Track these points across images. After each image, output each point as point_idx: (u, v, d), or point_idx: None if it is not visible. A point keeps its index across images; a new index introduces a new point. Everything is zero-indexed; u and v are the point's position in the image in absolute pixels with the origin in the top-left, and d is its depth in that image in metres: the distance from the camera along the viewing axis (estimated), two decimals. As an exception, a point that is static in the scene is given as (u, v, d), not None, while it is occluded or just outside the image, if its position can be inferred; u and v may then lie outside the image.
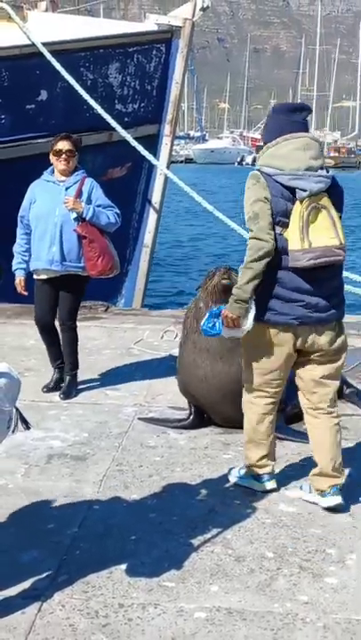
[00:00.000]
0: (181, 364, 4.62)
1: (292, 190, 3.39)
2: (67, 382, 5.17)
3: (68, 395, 5.10)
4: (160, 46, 8.79)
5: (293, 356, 3.56)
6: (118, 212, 5.10)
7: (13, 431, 2.66)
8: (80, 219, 4.95)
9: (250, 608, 2.80)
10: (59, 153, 5.00)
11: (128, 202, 8.79)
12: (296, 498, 3.66)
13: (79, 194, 4.98)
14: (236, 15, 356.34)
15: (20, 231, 5.15)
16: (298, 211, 3.37)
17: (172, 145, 9.24)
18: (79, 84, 8.00)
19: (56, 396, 5.10)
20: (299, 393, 3.69)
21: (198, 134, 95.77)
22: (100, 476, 3.87)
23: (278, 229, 3.40)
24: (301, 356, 3.57)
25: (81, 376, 5.30)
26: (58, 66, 7.85)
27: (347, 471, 3.80)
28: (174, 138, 9.40)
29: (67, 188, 5.02)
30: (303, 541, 3.28)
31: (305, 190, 3.36)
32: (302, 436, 3.99)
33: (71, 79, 7.92)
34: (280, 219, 3.40)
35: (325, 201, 3.42)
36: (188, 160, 72.84)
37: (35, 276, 5.17)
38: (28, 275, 5.20)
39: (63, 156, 4.99)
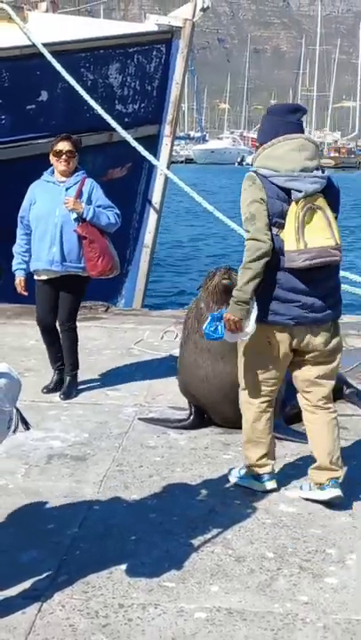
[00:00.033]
0: (182, 364, 4.62)
1: (287, 191, 3.41)
2: (67, 383, 5.17)
3: (68, 395, 5.10)
4: (160, 47, 8.79)
5: (290, 355, 3.58)
6: (118, 212, 5.11)
7: (14, 431, 2.67)
8: (80, 219, 4.95)
9: (250, 608, 2.81)
10: (59, 154, 5.01)
11: (128, 202, 8.79)
12: (296, 498, 3.67)
13: (79, 194, 4.98)
14: (236, 15, 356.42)
15: (19, 231, 5.16)
16: (293, 211, 3.39)
17: (172, 145, 9.24)
18: (79, 85, 8.00)
19: (56, 396, 5.10)
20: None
21: (198, 135, 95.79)
22: (101, 477, 3.88)
23: (275, 230, 3.42)
24: (297, 356, 3.60)
25: (81, 376, 5.30)
26: (58, 66, 7.86)
27: (347, 471, 3.81)
28: (174, 138, 9.40)
29: (67, 189, 5.02)
30: (303, 541, 3.28)
31: (300, 191, 3.38)
32: (302, 437, 3.99)
33: (71, 80, 7.92)
34: (276, 220, 3.42)
35: (321, 201, 3.43)
36: (189, 160, 72.85)
37: (35, 277, 5.17)
38: (28, 275, 5.20)
39: (63, 156, 5.00)
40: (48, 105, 8.19)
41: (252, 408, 3.67)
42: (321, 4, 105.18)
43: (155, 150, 8.87)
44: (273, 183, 3.42)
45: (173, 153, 9.71)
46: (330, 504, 3.59)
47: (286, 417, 4.47)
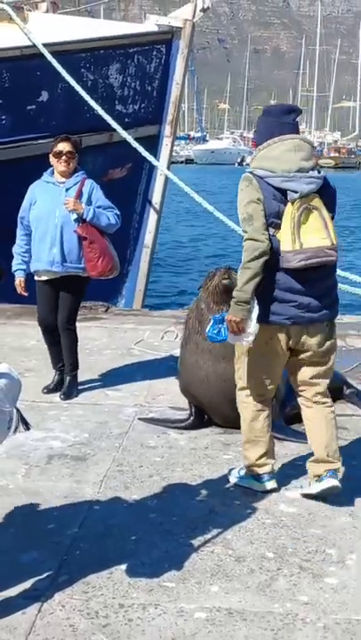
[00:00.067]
0: (183, 365, 4.63)
1: (283, 192, 3.43)
2: (67, 383, 5.17)
3: (68, 395, 5.10)
4: (160, 47, 8.80)
5: (286, 354, 3.61)
6: (118, 212, 5.11)
7: (14, 432, 2.67)
8: (80, 220, 4.95)
9: (250, 608, 2.81)
10: (59, 154, 5.01)
11: (128, 202, 8.79)
12: (296, 498, 3.67)
13: (79, 195, 4.98)
14: (236, 16, 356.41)
15: (19, 232, 5.16)
16: (289, 212, 3.41)
17: (172, 145, 9.24)
18: (80, 85, 8.01)
19: (56, 396, 5.11)
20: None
21: (198, 135, 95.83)
22: (101, 477, 3.88)
23: (271, 231, 3.44)
24: (293, 355, 3.62)
25: (81, 376, 5.30)
26: (58, 67, 7.86)
27: (347, 471, 3.81)
28: (175, 138, 9.40)
29: (67, 190, 5.02)
30: (303, 542, 3.28)
31: (296, 192, 3.40)
32: (302, 437, 4.00)
33: (72, 80, 7.93)
34: (273, 220, 3.44)
35: (317, 202, 3.45)
36: (189, 161, 72.88)
37: (35, 277, 5.17)
38: (29, 275, 5.20)
39: (63, 157, 5.00)
40: (48, 105, 8.19)
41: (249, 407, 3.69)
42: (321, 4, 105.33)
43: (155, 150, 8.87)
44: (269, 184, 3.44)
45: (173, 153, 9.71)
46: (328, 500, 3.59)
47: (286, 417, 4.47)
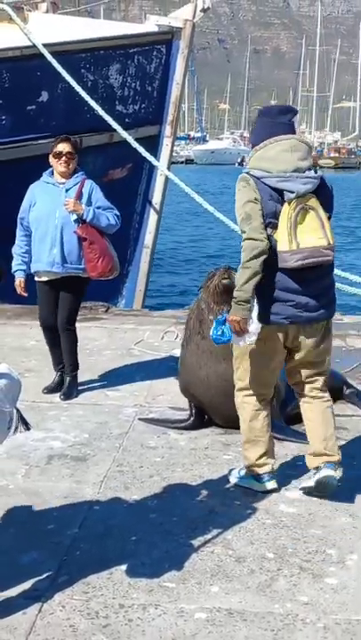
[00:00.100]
0: (184, 365, 4.62)
1: (280, 192, 3.45)
2: (67, 383, 5.17)
3: (68, 395, 5.10)
4: (160, 47, 8.80)
5: (284, 353, 3.64)
6: (118, 213, 5.11)
7: (14, 432, 2.67)
8: (80, 221, 4.95)
9: (250, 609, 2.81)
10: (59, 155, 5.01)
11: (129, 203, 8.80)
12: (296, 498, 3.67)
13: (79, 196, 4.98)
14: (236, 16, 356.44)
15: (19, 233, 5.16)
16: (286, 212, 3.42)
17: (172, 146, 9.25)
18: (80, 86, 8.01)
19: (56, 396, 5.11)
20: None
21: (199, 135, 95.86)
22: (101, 477, 3.88)
23: (269, 231, 3.46)
24: (290, 354, 3.65)
25: (81, 377, 5.30)
26: (58, 67, 7.86)
27: (347, 471, 3.81)
28: (175, 139, 9.41)
29: (67, 190, 5.02)
30: (303, 542, 3.28)
31: (292, 192, 3.42)
32: (302, 437, 4.00)
33: (72, 80, 7.93)
34: (270, 220, 3.45)
35: (314, 202, 3.46)
36: (189, 161, 72.90)
37: (36, 278, 5.17)
38: (28, 276, 5.20)
39: (63, 158, 5.00)
40: (48, 105, 8.20)
41: (248, 407, 3.70)
42: (321, 4, 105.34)
43: (155, 151, 8.87)
44: (266, 184, 3.46)
45: (173, 153, 9.71)
46: (328, 501, 3.59)
47: (287, 417, 4.47)
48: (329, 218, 3.52)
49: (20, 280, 5.15)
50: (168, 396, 5.13)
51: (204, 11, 8.81)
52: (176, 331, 6.62)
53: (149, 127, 8.97)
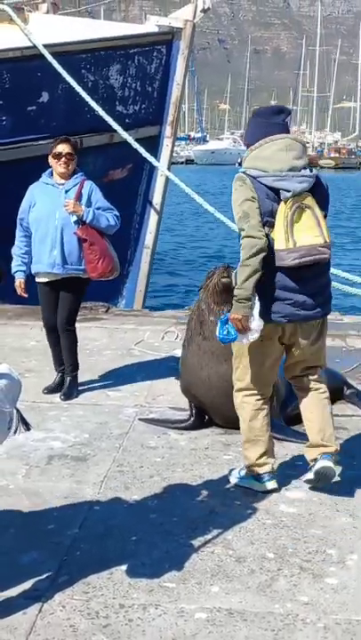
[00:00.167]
0: (185, 365, 4.62)
1: (276, 191, 3.48)
2: (67, 383, 5.18)
3: (68, 396, 5.11)
4: (161, 48, 8.80)
5: (282, 351, 3.69)
6: (118, 214, 5.11)
7: (14, 432, 2.67)
8: (80, 222, 4.95)
9: (250, 609, 2.81)
10: (58, 156, 5.01)
11: (129, 203, 8.80)
12: (297, 498, 3.67)
13: (79, 197, 4.98)
14: (236, 16, 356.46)
15: (19, 233, 5.16)
16: (282, 211, 3.45)
17: (172, 146, 9.25)
18: (80, 86, 8.01)
19: (57, 397, 5.11)
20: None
21: (199, 135, 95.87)
22: (101, 477, 3.88)
23: (266, 229, 3.48)
24: (287, 350, 3.71)
25: (81, 377, 5.30)
26: (59, 67, 7.86)
27: (347, 471, 3.81)
28: (175, 139, 9.41)
29: (66, 191, 5.02)
30: (304, 542, 3.28)
31: (288, 191, 3.45)
32: (302, 437, 4.00)
33: (72, 81, 7.93)
34: (267, 219, 3.48)
35: (309, 200, 3.49)
36: (189, 161, 72.90)
37: (36, 279, 5.17)
38: (28, 277, 5.20)
39: (63, 159, 4.99)
40: (49, 106, 8.20)
41: (247, 407, 3.72)
42: (321, 4, 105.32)
43: (155, 151, 8.87)
44: (262, 183, 3.48)
45: (174, 154, 9.71)
46: (328, 501, 3.60)
47: (287, 418, 4.47)
48: (325, 216, 3.56)
49: (20, 281, 5.16)
50: (168, 396, 5.13)
51: (204, 11, 8.81)
52: (176, 331, 6.63)
53: (150, 127, 8.97)
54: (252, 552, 3.19)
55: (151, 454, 4.19)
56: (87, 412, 4.86)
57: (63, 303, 5.11)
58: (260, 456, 3.69)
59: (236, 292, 3.52)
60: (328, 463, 3.63)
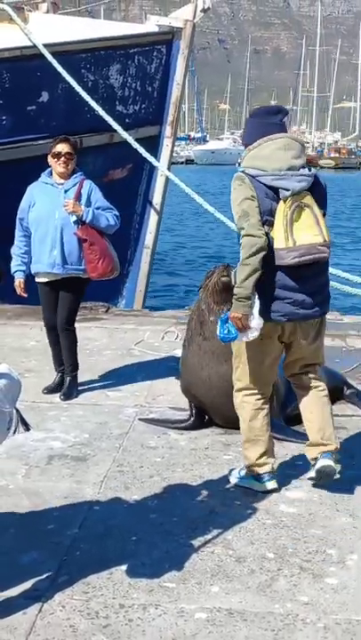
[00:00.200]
0: (185, 366, 4.62)
1: (275, 190, 3.49)
2: (67, 383, 5.17)
3: (68, 396, 5.10)
4: (161, 47, 8.80)
5: (281, 349, 3.70)
6: (117, 213, 5.11)
7: (14, 432, 2.67)
8: (80, 221, 4.95)
9: (250, 609, 2.81)
10: (58, 155, 5.00)
11: (129, 203, 8.79)
12: (297, 498, 3.67)
13: (78, 196, 4.98)
14: (236, 16, 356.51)
15: (18, 233, 5.15)
16: (282, 210, 3.46)
17: (172, 146, 9.25)
18: (80, 86, 8.01)
19: (56, 397, 5.11)
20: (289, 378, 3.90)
21: (199, 135, 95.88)
22: (101, 477, 3.88)
23: (265, 228, 3.49)
24: (286, 349, 3.72)
25: (81, 377, 5.30)
26: (59, 67, 7.86)
27: (347, 471, 3.81)
28: (175, 139, 9.41)
29: (65, 191, 5.02)
30: (304, 542, 3.28)
31: (288, 190, 3.46)
32: (302, 437, 4.00)
33: (72, 80, 7.93)
34: (266, 218, 3.49)
35: (308, 199, 3.50)
36: (189, 161, 72.87)
37: (36, 279, 5.17)
38: (28, 276, 5.20)
39: (62, 158, 4.99)
40: (49, 106, 8.20)
41: (247, 407, 3.72)
42: (321, 4, 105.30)
43: (155, 151, 8.87)
44: (261, 182, 3.49)
45: (174, 154, 9.71)
46: (329, 501, 3.60)
47: (287, 418, 4.47)
48: (323, 215, 3.57)
49: (19, 280, 5.15)
50: (168, 396, 5.13)
51: (204, 11, 8.81)
52: (176, 331, 6.63)
53: (150, 127, 8.97)
54: (252, 552, 3.19)
55: (151, 454, 4.19)
56: (87, 412, 4.85)
57: (63, 303, 5.11)
58: (261, 456, 3.70)
59: (235, 290, 3.53)
60: (328, 462, 3.65)
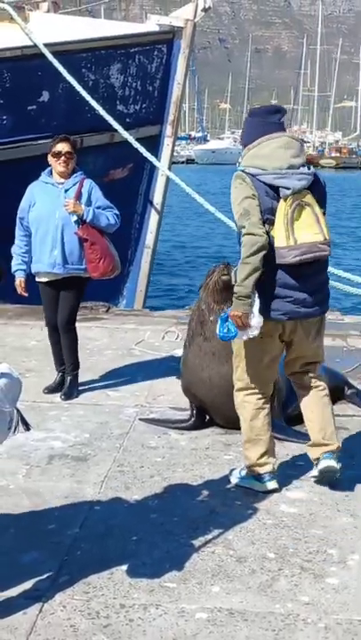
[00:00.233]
0: (186, 366, 4.62)
1: (276, 189, 3.49)
2: (68, 383, 5.17)
3: (69, 395, 5.10)
4: (161, 47, 8.79)
5: (282, 348, 3.71)
6: (118, 212, 5.11)
7: (14, 432, 2.67)
8: (80, 221, 4.95)
9: (251, 609, 2.80)
10: (58, 155, 5.00)
11: (130, 203, 8.79)
12: (298, 498, 3.67)
13: (79, 196, 4.97)
14: (237, 15, 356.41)
15: (19, 232, 5.15)
16: (282, 209, 3.47)
17: (173, 146, 9.24)
18: (81, 85, 8.01)
19: (57, 396, 5.10)
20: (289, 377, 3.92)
21: (199, 135, 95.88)
22: (102, 477, 3.88)
23: (266, 227, 3.49)
24: (286, 347, 3.74)
25: (82, 377, 5.30)
26: (59, 67, 7.86)
27: (347, 471, 3.81)
28: (176, 139, 9.40)
29: (66, 190, 5.01)
30: (304, 542, 3.28)
31: (288, 188, 3.47)
32: (303, 437, 4.00)
33: (73, 80, 7.93)
34: (267, 216, 3.49)
35: (309, 198, 3.51)
36: (190, 161, 72.85)
37: (36, 279, 5.17)
38: (29, 276, 5.20)
39: (62, 157, 4.99)
40: (49, 105, 8.19)
41: (248, 407, 3.72)
42: (322, 3, 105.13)
43: (156, 151, 8.87)
44: (261, 181, 3.49)
45: (174, 153, 9.71)
46: (329, 501, 3.60)
47: (288, 418, 4.47)
48: (323, 213, 3.56)
49: (20, 280, 5.15)
50: (169, 396, 5.13)
51: (205, 10, 8.80)
52: (177, 331, 6.62)
53: (150, 127, 8.96)
54: (252, 552, 3.19)
55: (152, 454, 4.19)
56: (88, 412, 4.85)
57: (64, 302, 5.11)
58: (261, 456, 3.69)
59: (236, 289, 3.53)
60: (331, 462, 3.67)
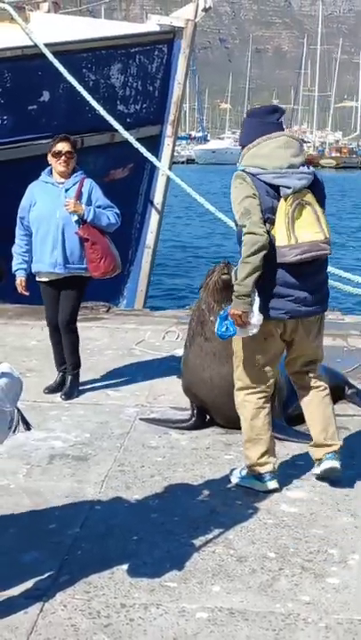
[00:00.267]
0: (187, 366, 4.62)
1: (276, 188, 3.50)
2: (68, 382, 5.17)
3: (69, 395, 5.10)
4: (162, 47, 8.79)
5: (282, 347, 3.71)
6: (118, 212, 5.11)
7: (15, 432, 2.67)
8: (81, 221, 4.95)
9: (252, 608, 2.81)
10: (58, 154, 5.00)
11: (130, 203, 8.79)
12: (298, 498, 3.67)
13: (79, 196, 4.98)
14: (237, 15, 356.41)
15: (19, 232, 5.15)
16: (283, 208, 3.48)
17: (173, 146, 9.24)
18: (81, 85, 8.01)
19: (58, 396, 5.11)
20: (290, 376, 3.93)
21: (200, 135, 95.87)
22: (102, 477, 3.88)
23: (266, 226, 3.50)
24: (287, 347, 3.74)
25: (82, 376, 5.30)
26: (60, 67, 7.86)
27: (348, 471, 3.81)
28: (176, 139, 9.40)
29: (66, 190, 5.01)
30: (305, 542, 3.28)
31: (289, 187, 3.48)
32: (303, 437, 4.00)
33: (73, 80, 7.93)
34: (268, 215, 3.50)
35: (309, 197, 3.53)
36: (190, 161, 72.83)
37: (37, 278, 5.17)
38: (29, 275, 5.20)
39: (63, 157, 4.99)
40: (50, 105, 8.19)
41: (249, 406, 3.73)
42: (322, 3, 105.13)
43: (156, 151, 8.87)
44: (262, 180, 3.50)
45: (175, 153, 9.70)
46: (330, 500, 3.60)
47: (288, 418, 4.47)
48: (323, 212, 3.57)
49: (20, 279, 5.15)
50: (169, 395, 5.13)
51: (205, 10, 8.80)
52: (177, 331, 6.62)
53: (151, 127, 8.96)
54: (253, 552, 3.19)
55: (152, 454, 4.19)
56: (88, 412, 4.85)
57: (65, 301, 5.11)
58: (262, 455, 3.70)
59: (235, 288, 3.54)
60: (333, 463, 3.69)
